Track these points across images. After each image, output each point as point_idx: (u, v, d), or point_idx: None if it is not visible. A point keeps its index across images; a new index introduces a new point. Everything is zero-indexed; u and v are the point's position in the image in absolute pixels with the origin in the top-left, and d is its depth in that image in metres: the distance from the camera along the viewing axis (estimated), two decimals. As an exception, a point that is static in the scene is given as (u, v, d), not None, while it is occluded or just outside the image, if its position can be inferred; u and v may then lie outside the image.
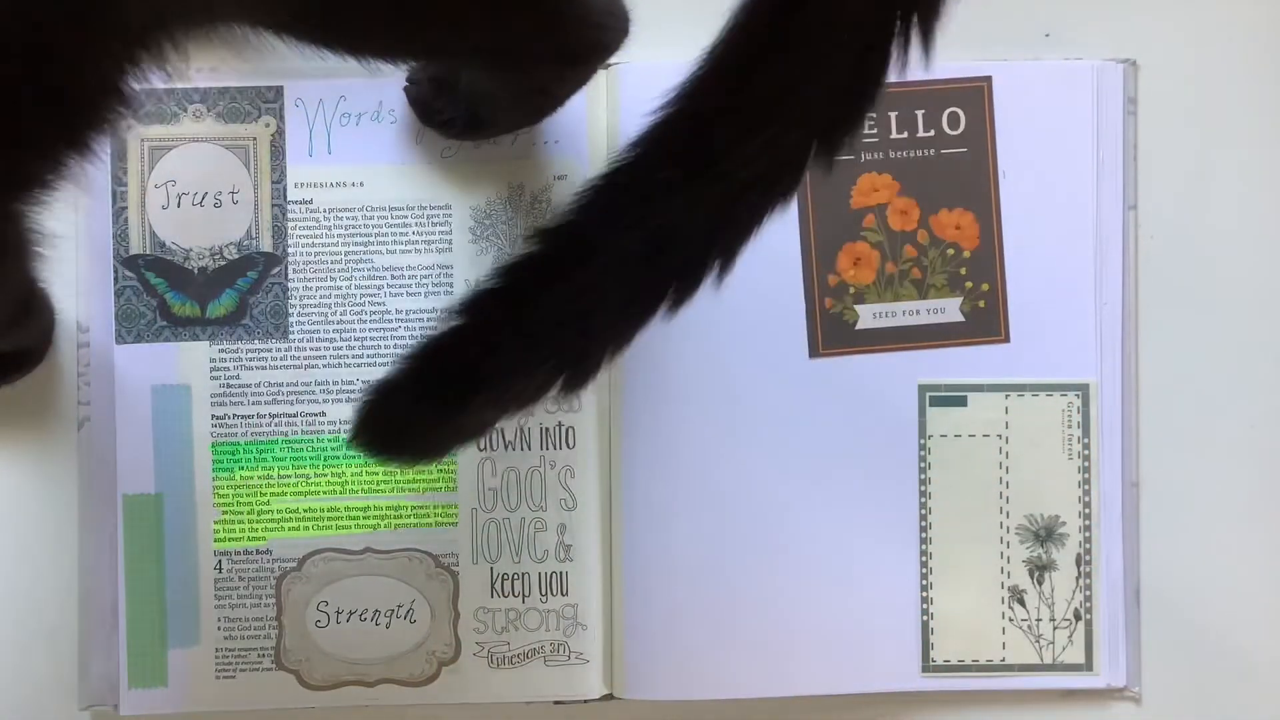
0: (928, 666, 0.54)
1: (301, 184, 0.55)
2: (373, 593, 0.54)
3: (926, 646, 0.54)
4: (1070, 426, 0.55)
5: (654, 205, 0.34)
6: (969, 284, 0.54)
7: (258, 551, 0.54)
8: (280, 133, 0.54)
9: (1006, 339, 0.54)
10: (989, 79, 0.54)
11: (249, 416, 0.54)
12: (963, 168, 0.54)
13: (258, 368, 0.54)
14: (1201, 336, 0.56)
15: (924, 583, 0.54)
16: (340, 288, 0.55)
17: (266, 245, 0.54)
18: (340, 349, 0.54)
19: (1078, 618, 0.55)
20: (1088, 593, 0.55)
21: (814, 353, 0.54)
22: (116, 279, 0.54)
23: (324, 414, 0.54)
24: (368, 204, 0.55)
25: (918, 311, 0.54)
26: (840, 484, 0.54)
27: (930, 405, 0.54)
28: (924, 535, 0.54)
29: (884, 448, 0.54)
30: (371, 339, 0.54)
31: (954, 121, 0.54)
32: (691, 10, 0.55)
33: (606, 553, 0.54)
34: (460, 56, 0.44)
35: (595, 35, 0.44)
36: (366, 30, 0.38)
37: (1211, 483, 0.56)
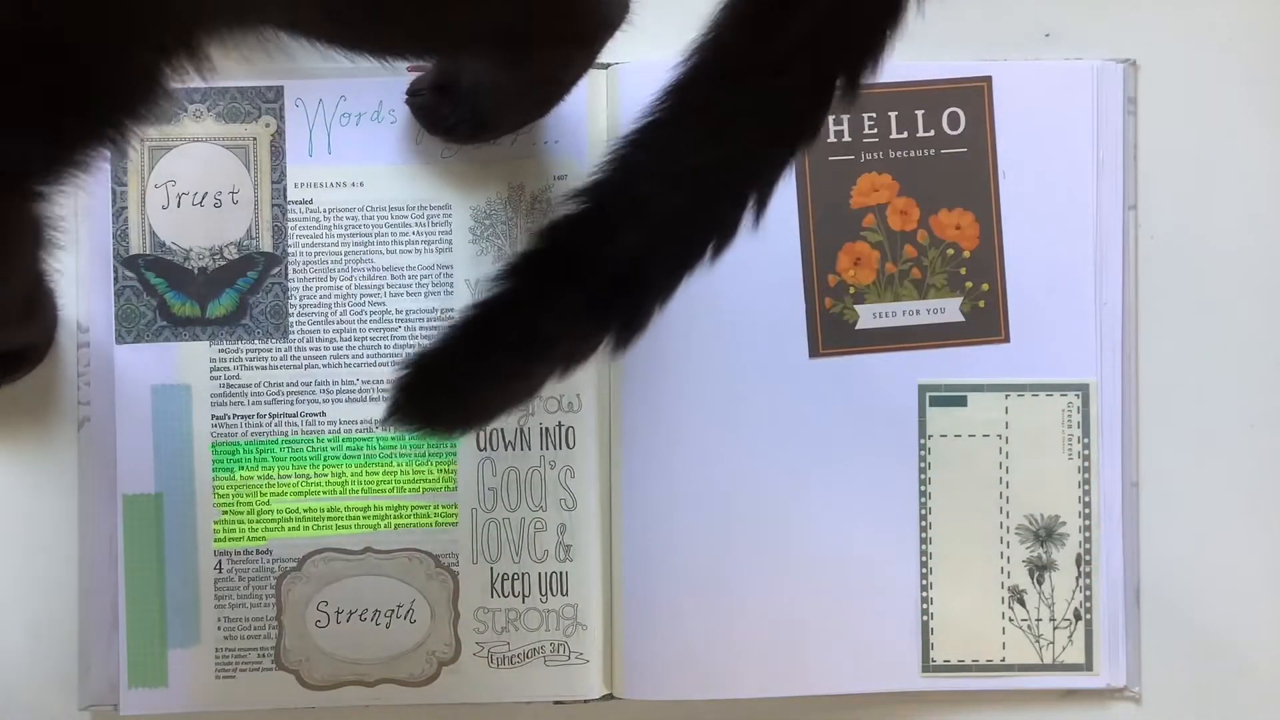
0: (927, 666, 0.54)
1: (301, 184, 0.55)
2: (373, 593, 0.54)
3: (926, 646, 0.54)
4: (1070, 426, 0.55)
5: (691, 153, 0.35)
6: (969, 284, 0.54)
7: (258, 551, 0.54)
8: (280, 133, 0.54)
9: (1006, 339, 0.54)
10: (989, 79, 0.54)
11: (249, 416, 0.54)
12: (963, 168, 0.54)
13: (258, 368, 0.54)
14: (1201, 336, 0.56)
15: (924, 583, 0.54)
16: (340, 288, 0.55)
17: (266, 245, 0.54)
18: (340, 349, 0.54)
19: (1078, 618, 0.55)
20: (1088, 593, 0.55)
21: (814, 353, 0.54)
22: (116, 279, 0.54)
23: (324, 414, 0.54)
24: (368, 204, 0.55)
25: (918, 311, 0.54)
26: (840, 484, 0.54)
27: (930, 405, 0.54)
28: (924, 535, 0.54)
29: (884, 448, 0.54)
30: (372, 339, 0.54)
31: (954, 121, 0.54)
32: (689, 10, 0.55)
33: (606, 553, 0.54)
34: (479, 43, 0.44)
35: (602, 11, 0.45)
36: (397, 23, 0.38)
37: (1211, 483, 0.56)
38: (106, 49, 0.32)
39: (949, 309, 0.54)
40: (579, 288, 0.35)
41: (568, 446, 0.54)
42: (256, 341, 0.54)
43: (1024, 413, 0.54)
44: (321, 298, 0.54)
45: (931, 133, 0.54)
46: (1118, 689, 0.55)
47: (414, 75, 0.54)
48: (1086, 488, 0.55)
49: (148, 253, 0.54)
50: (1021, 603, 0.55)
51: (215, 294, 0.54)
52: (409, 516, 0.54)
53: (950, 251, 0.54)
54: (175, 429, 0.54)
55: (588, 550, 0.54)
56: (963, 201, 0.54)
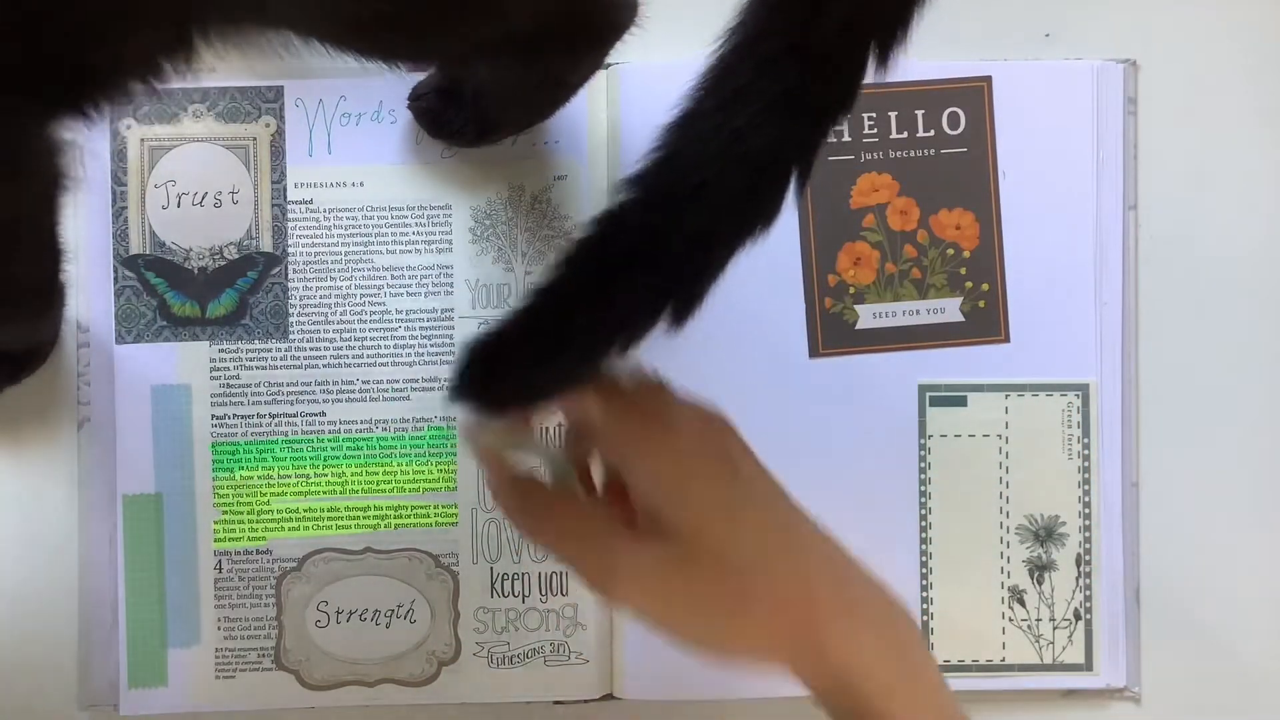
0: (928, 666, 0.54)
1: (301, 184, 0.55)
2: (373, 593, 0.54)
3: (926, 646, 0.54)
4: (1070, 426, 0.55)
5: (740, 134, 0.36)
6: (969, 284, 0.54)
7: (258, 551, 0.54)
8: (280, 133, 0.54)
9: (1006, 339, 0.54)
10: (989, 79, 0.54)
11: (249, 416, 0.54)
12: (963, 167, 0.54)
13: (258, 368, 0.54)
14: (1201, 336, 0.56)
15: (924, 582, 0.54)
16: (340, 288, 0.55)
17: (266, 245, 0.54)
18: (340, 349, 0.54)
19: (1077, 618, 0.55)
20: (1088, 593, 0.55)
21: (814, 352, 0.54)
22: (116, 279, 0.54)
23: (324, 414, 0.54)
24: (368, 204, 0.55)
25: (918, 311, 0.54)
26: (840, 484, 0.54)
27: (930, 405, 0.54)
28: (924, 535, 0.54)
29: (884, 447, 0.54)
30: (372, 339, 0.54)
31: (954, 121, 0.54)
32: (689, 11, 0.55)
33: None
34: (489, 50, 0.44)
35: (612, 15, 0.45)
36: (408, 32, 0.39)
37: (1211, 483, 0.56)
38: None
39: (949, 309, 0.54)
40: (642, 270, 0.36)
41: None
42: (256, 341, 0.54)
43: (1024, 413, 0.54)
44: (321, 298, 0.54)
45: (931, 133, 0.54)
46: (1117, 689, 0.55)
47: (416, 78, 0.54)
48: (1086, 488, 0.55)
49: (148, 253, 0.54)
50: (1021, 603, 0.55)
51: (215, 294, 0.54)
52: (409, 516, 0.54)
53: (950, 251, 0.54)
54: (175, 429, 0.54)
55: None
56: (963, 201, 0.54)
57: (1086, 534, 0.55)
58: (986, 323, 0.54)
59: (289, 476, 0.54)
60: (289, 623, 0.54)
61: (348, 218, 0.55)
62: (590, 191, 0.55)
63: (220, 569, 0.54)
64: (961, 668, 0.55)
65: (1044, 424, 0.54)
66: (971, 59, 0.54)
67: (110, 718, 0.54)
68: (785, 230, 0.54)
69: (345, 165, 0.55)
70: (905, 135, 0.53)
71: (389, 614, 0.54)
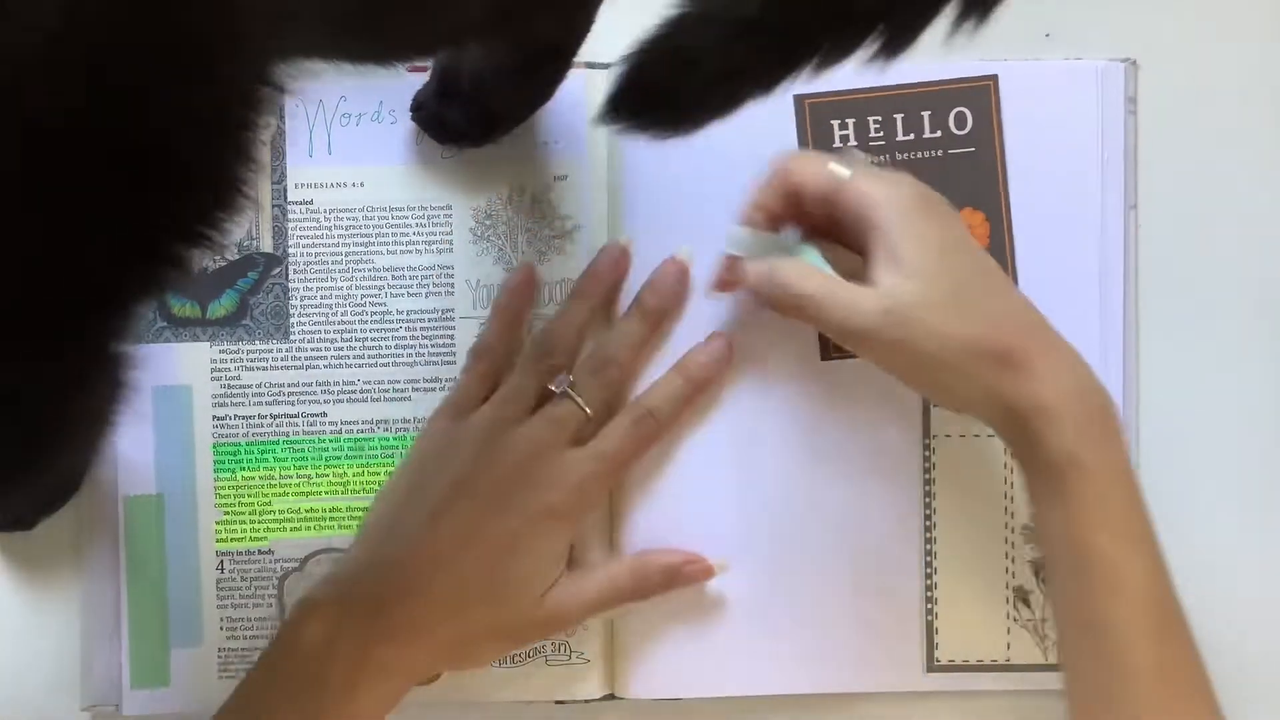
0: (932, 666, 0.54)
1: (302, 184, 0.55)
2: (374, 593, 0.54)
3: (930, 646, 0.54)
4: (1074, 426, 0.54)
5: None
6: (977, 283, 0.54)
7: (260, 552, 0.54)
8: (280, 133, 0.54)
9: (1015, 338, 0.54)
10: (995, 77, 0.53)
11: (250, 417, 0.54)
12: (971, 167, 0.53)
13: (259, 368, 0.54)
14: (1201, 336, 0.55)
15: (928, 582, 0.54)
16: (341, 288, 0.54)
17: (267, 246, 0.54)
18: (341, 349, 0.54)
19: (1082, 617, 0.54)
20: (1092, 592, 0.54)
21: (825, 355, 0.54)
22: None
23: (325, 414, 0.54)
24: (368, 204, 0.55)
25: (928, 312, 0.54)
26: (844, 485, 0.54)
27: (934, 405, 0.54)
28: (928, 535, 0.54)
29: (888, 447, 0.54)
30: (373, 339, 0.54)
31: (961, 121, 0.53)
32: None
33: (608, 553, 0.54)
34: (478, 30, 0.44)
35: None
36: (397, 29, 0.39)
37: (1212, 482, 0.55)
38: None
39: (957, 308, 0.54)
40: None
41: (569, 447, 0.54)
42: (257, 342, 0.54)
43: (1027, 412, 0.54)
44: (322, 298, 0.54)
45: (939, 133, 0.53)
46: (1122, 689, 0.55)
47: (416, 78, 0.54)
48: (1090, 487, 0.54)
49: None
50: (1026, 602, 0.55)
51: (216, 295, 0.54)
52: (410, 517, 0.54)
53: (958, 252, 0.54)
54: (176, 430, 0.54)
55: (590, 551, 0.54)
56: (973, 201, 0.53)
57: (1090, 534, 0.54)
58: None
59: (290, 477, 0.54)
60: (291, 623, 0.54)
61: (348, 218, 0.55)
62: (591, 191, 0.54)
63: (222, 569, 0.54)
64: (966, 667, 0.54)
65: (1048, 423, 0.54)
66: (972, 59, 0.54)
67: (112, 718, 0.54)
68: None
69: (345, 166, 0.55)
70: (912, 137, 0.53)
71: (391, 614, 0.54)
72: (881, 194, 0.47)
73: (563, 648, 0.54)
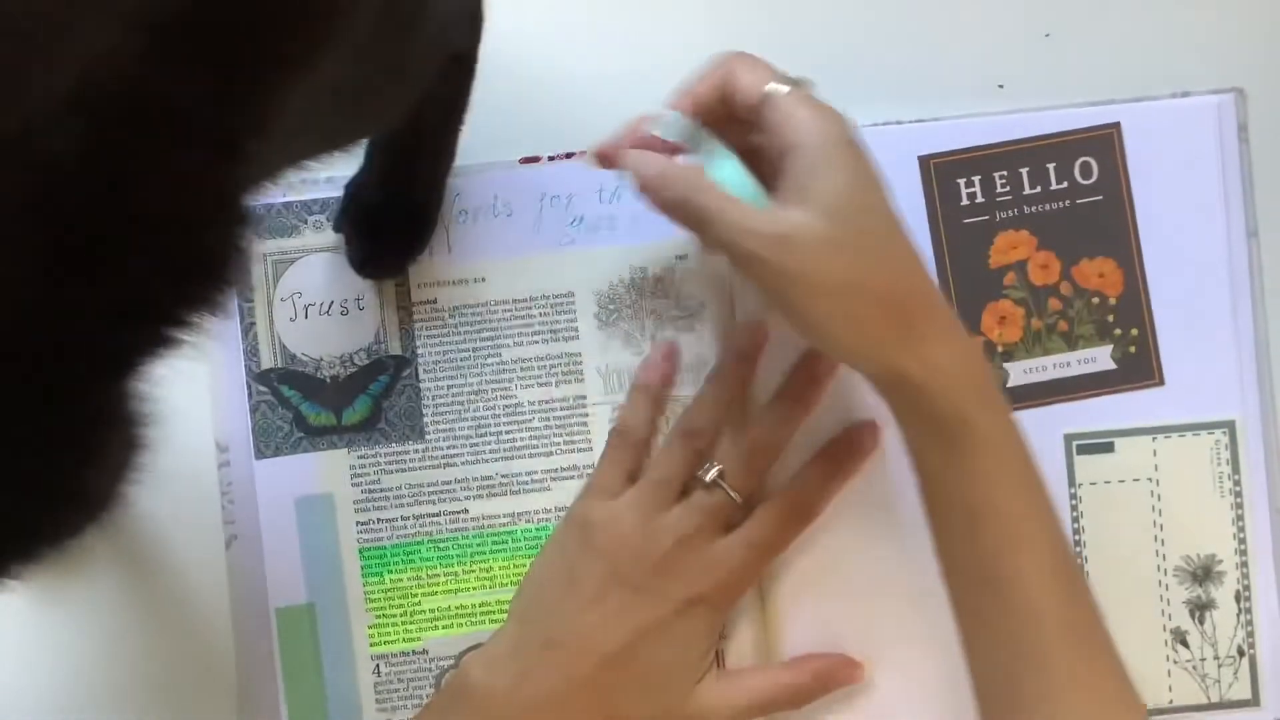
0: (1095, 716, 0.54)
1: (424, 284, 0.55)
2: (532, 686, 0.54)
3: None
4: (1219, 464, 0.54)
5: None
6: (1117, 331, 0.53)
7: (414, 653, 0.54)
8: (400, 236, 0.54)
9: (1161, 382, 0.53)
10: (1117, 125, 0.53)
11: (393, 519, 0.54)
12: (1099, 215, 0.53)
13: (397, 470, 0.54)
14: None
15: (1084, 633, 0.54)
16: (472, 384, 0.55)
17: (395, 348, 0.54)
18: (476, 444, 0.54)
19: (1241, 654, 0.54)
20: (1249, 628, 0.54)
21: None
22: (250, 395, 0.54)
23: (466, 510, 0.54)
24: (491, 299, 0.55)
25: (1069, 364, 0.53)
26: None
27: (1077, 454, 0.54)
28: (1081, 585, 0.54)
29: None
30: (507, 433, 0.54)
31: (1086, 170, 0.53)
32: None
33: (760, 623, 0.54)
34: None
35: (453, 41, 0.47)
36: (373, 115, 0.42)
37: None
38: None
39: (1100, 357, 0.53)
40: None
41: (714, 526, 0.54)
42: (394, 444, 0.54)
43: (1172, 454, 0.54)
44: (454, 396, 0.54)
45: (1065, 184, 0.53)
46: (1288, 722, 0.54)
47: (529, 170, 0.53)
48: (1241, 524, 0.54)
49: (279, 366, 0.54)
50: (1185, 643, 0.54)
51: (348, 401, 0.54)
52: (561, 607, 0.54)
53: (1095, 300, 0.53)
54: (321, 538, 0.54)
55: (744, 625, 0.54)
56: (1103, 249, 0.53)
57: (1244, 570, 0.54)
58: (1140, 367, 0.53)
59: (438, 575, 0.54)
60: (451, 722, 0.54)
61: (472, 314, 0.55)
62: (713, 269, 0.54)
63: (378, 672, 0.54)
64: (1128, 715, 0.54)
65: (1193, 464, 0.54)
66: (1081, 102, 0.53)
67: (284, 829, 0.54)
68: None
69: (466, 262, 0.55)
70: (1039, 190, 0.53)
71: (549, 705, 0.54)
72: (810, 119, 0.44)
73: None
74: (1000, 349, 0.53)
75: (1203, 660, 0.54)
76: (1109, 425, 0.54)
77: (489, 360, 0.55)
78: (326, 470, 0.54)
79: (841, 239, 0.43)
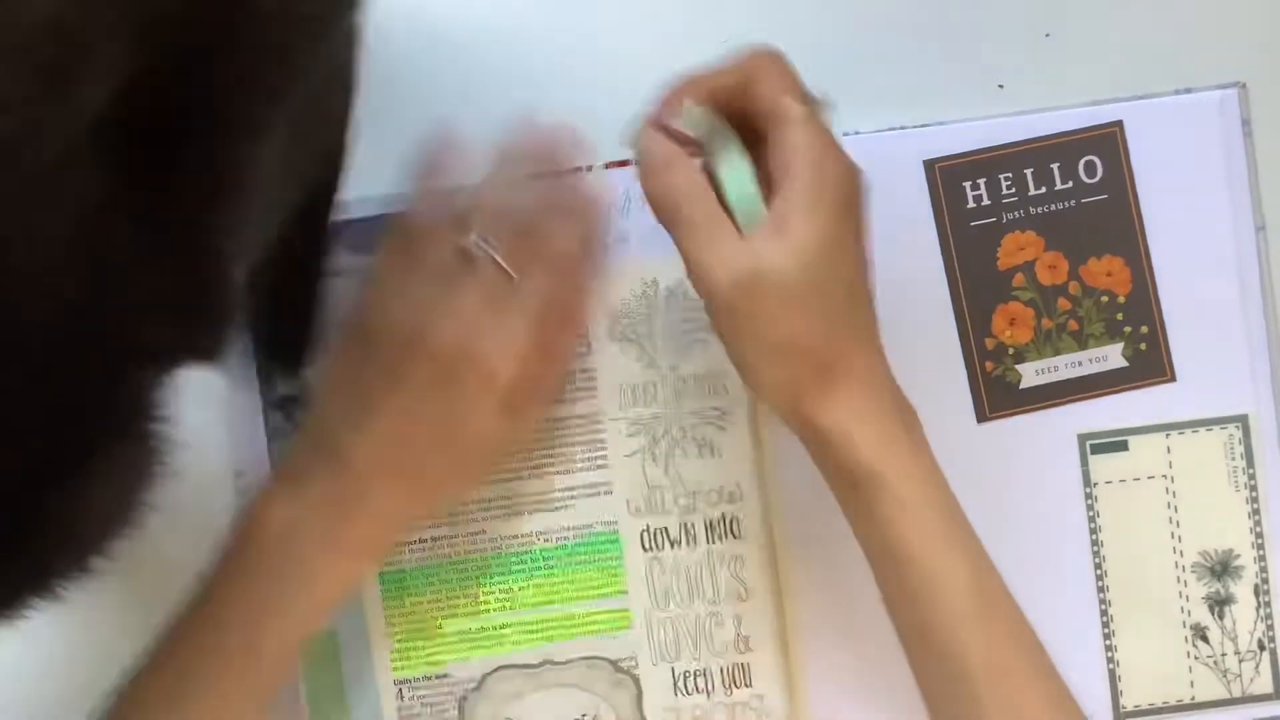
0: (1120, 714, 0.54)
1: (436, 305, 0.54)
2: (556, 705, 0.54)
3: (1116, 694, 0.54)
4: (1234, 459, 0.54)
5: None
6: (1128, 329, 0.54)
7: (437, 676, 0.54)
8: (410, 257, 0.54)
9: (1173, 378, 0.54)
10: (1120, 123, 0.53)
11: (411, 542, 0.54)
12: (1105, 214, 0.53)
13: (414, 493, 0.54)
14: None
15: (1106, 630, 0.54)
16: (486, 403, 0.54)
17: (408, 370, 0.54)
18: (493, 464, 0.54)
19: (1262, 648, 0.54)
20: (1269, 621, 0.54)
21: (982, 417, 0.54)
22: (267, 423, 0.54)
23: (484, 531, 0.54)
24: (503, 317, 0.55)
25: (1080, 363, 0.53)
26: (1012, 543, 0.53)
27: (1091, 454, 0.54)
28: (1101, 584, 0.54)
29: (1051, 501, 0.54)
30: (523, 452, 0.54)
31: (1091, 169, 0.53)
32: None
33: (783, 639, 0.54)
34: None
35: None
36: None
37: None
38: None
39: (1111, 356, 0.53)
40: None
41: (734, 537, 0.54)
42: (410, 467, 0.54)
43: (1186, 450, 0.54)
44: (469, 416, 0.54)
45: (1070, 184, 0.53)
46: (1311, 713, 0.55)
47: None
48: (1257, 518, 0.54)
49: (295, 393, 0.54)
50: (1205, 639, 0.54)
51: (364, 425, 0.54)
52: (582, 625, 0.54)
53: (1105, 299, 0.53)
54: (340, 564, 0.54)
55: (766, 639, 0.54)
56: (1110, 248, 0.53)
57: (1262, 563, 0.54)
58: (1151, 365, 0.54)
59: (458, 598, 0.54)
60: (476, 744, 0.54)
61: (485, 333, 0.55)
62: (724, 279, 0.54)
63: (402, 697, 0.54)
64: (1153, 710, 0.54)
65: (1208, 459, 0.54)
66: (1084, 101, 0.54)
67: None
68: (937, 302, 0.53)
69: (477, 281, 0.55)
70: (1044, 190, 0.53)
71: (574, 724, 0.54)
72: (810, 150, 0.44)
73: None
74: (1011, 351, 0.54)
75: (1223, 655, 0.54)
76: (1122, 424, 0.54)
77: (503, 379, 0.54)
78: (343, 495, 0.54)
79: (802, 296, 0.43)
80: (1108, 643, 0.54)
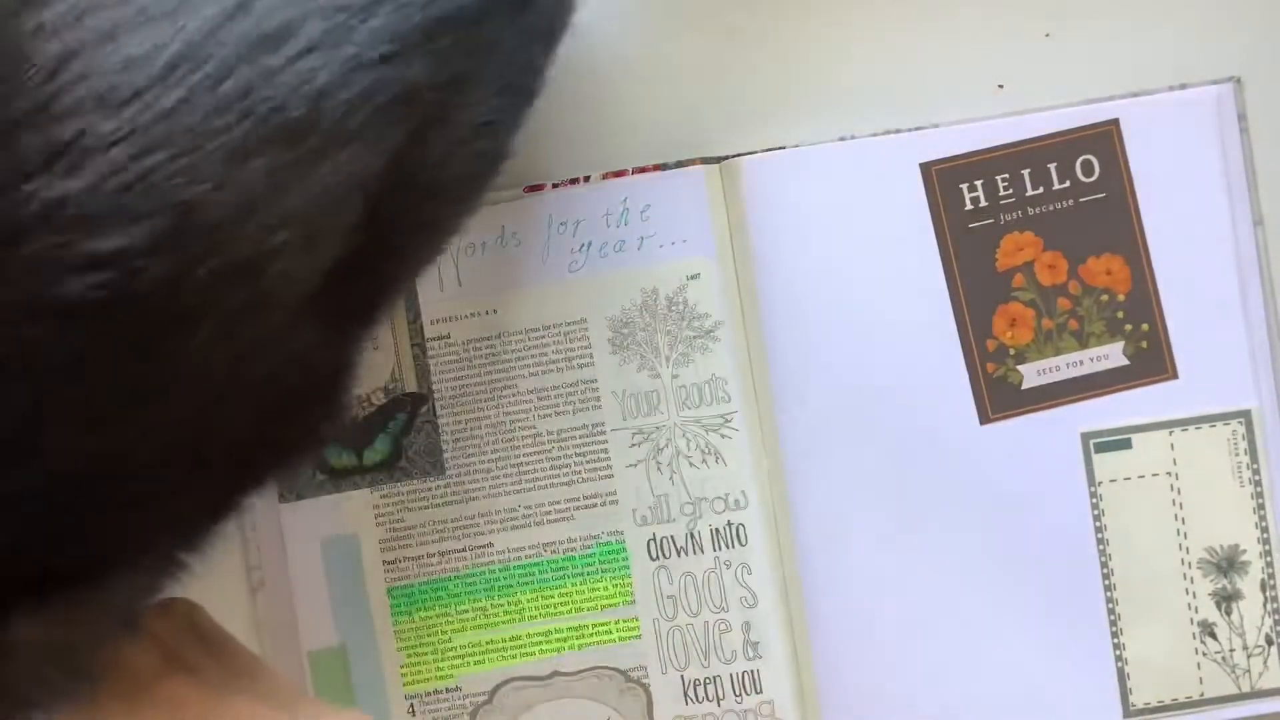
0: (1129, 712, 0.54)
1: (437, 320, 0.55)
2: (567, 715, 0.54)
3: (1125, 692, 0.54)
4: (1238, 454, 0.54)
5: None
6: (1128, 327, 0.54)
7: (447, 690, 0.54)
8: (411, 273, 0.54)
9: (1175, 375, 0.54)
10: (1116, 121, 0.53)
11: (419, 557, 0.54)
12: (1103, 213, 0.53)
13: (420, 508, 0.54)
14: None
15: (1114, 629, 0.54)
16: (489, 416, 0.55)
17: (412, 385, 0.55)
18: (498, 477, 0.55)
19: (1270, 643, 0.54)
20: (1277, 616, 0.54)
21: (984, 419, 0.54)
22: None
23: (491, 544, 0.54)
24: (504, 330, 0.55)
25: (1081, 362, 0.53)
26: (1018, 545, 0.54)
27: (1095, 452, 0.54)
28: (1107, 582, 0.54)
29: (1056, 501, 0.54)
30: (528, 464, 0.54)
31: (1088, 169, 0.53)
32: (802, 99, 0.55)
33: (792, 645, 0.54)
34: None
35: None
36: None
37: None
38: None
39: (1112, 354, 0.54)
40: None
41: (740, 544, 0.54)
42: (415, 481, 0.54)
43: (1190, 447, 0.54)
44: (473, 430, 0.55)
45: (1067, 183, 0.53)
46: (1321, 707, 0.55)
47: (532, 199, 0.54)
48: (1262, 513, 0.54)
49: None
50: (1213, 635, 0.54)
51: (369, 441, 0.55)
52: (591, 635, 0.54)
53: (1104, 298, 0.53)
54: (349, 579, 0.54)
55: (774, 645, 0.54)
56: (1109, 246, 0.53)
57: (1268, 558, 0.54)
58: (1152, 362, 0.54)
59: (466, 611, 0.54)
60: (488, 756, 0.54)
61: (486, 346, 0.55)
62: (724, 286, 0.54)
63: (413, 712, 0.54)
64: (1163, 708, 0.54)
65: (1211, 455, 0.54)
66: (1083, 100, 0.54)
67: None
68: (937, 304, 0.53)
69: (477, 296, 0.55)
70: (1041, 190, 0.53)
71: (585, 734, 0.54)
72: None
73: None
74: (1012, 351, 0.54)
75: (1231, 651, 0.54)
76: (1125, 421, 0.54)
77: (505, 392, 0.55)
78: (351, 511, 0.54)
79: None
80: (1116, 641, 0.54)
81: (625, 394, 0.55)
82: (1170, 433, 0.54)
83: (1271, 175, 0.55)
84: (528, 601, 0.54)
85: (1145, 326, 0.54)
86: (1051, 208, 0.53)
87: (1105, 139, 0.53)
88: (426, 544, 0.54)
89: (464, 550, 0.54)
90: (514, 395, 0.55)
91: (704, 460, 0.54)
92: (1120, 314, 0.54)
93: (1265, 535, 0.54)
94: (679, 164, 0.54)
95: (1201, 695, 0.54)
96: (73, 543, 0.34)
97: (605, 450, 0.54)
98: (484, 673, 0.54)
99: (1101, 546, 0.54)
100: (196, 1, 0.34)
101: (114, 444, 0.34)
